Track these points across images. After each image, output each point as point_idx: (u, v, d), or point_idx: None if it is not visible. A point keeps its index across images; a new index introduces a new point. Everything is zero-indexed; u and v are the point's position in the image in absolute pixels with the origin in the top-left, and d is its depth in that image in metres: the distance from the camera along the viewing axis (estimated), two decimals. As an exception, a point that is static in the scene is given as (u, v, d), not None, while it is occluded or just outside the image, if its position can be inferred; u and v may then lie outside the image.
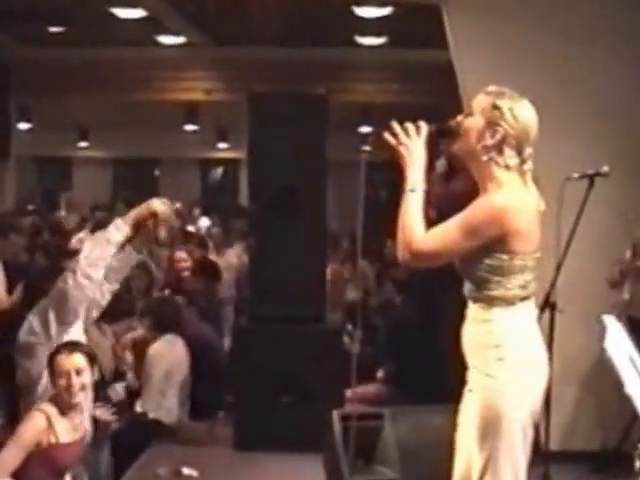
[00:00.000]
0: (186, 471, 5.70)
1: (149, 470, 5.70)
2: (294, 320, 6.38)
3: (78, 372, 4.42)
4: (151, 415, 6.48)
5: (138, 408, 6.49)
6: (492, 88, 3.47)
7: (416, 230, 3.35)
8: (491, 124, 3.38)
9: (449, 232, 3.35)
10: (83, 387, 4.45)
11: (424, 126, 3.46)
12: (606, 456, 5.95)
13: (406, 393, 6.59)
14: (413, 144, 3.43)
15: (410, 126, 3.44)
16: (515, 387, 3.36)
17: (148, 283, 7.80)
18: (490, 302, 3.40)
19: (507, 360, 3.36)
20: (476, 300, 3.46)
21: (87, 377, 4.48)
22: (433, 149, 3.52)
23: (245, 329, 6.73)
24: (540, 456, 5.14)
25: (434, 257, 3.39)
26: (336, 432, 4.79)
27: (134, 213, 4.80)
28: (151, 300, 7.27)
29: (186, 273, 8.28)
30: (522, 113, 3.40)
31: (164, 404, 6.53)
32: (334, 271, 8.84)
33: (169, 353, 6.66)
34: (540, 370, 3.48)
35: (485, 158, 3.40)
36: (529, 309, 3.48)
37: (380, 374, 7.29)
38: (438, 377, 5.98)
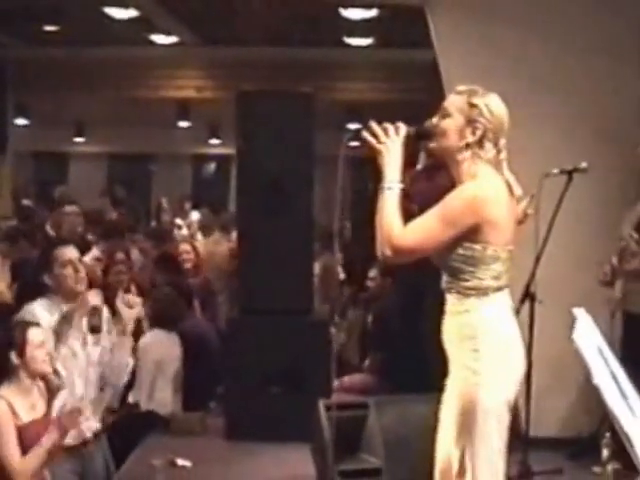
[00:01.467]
0: (180, 462, 5.78)
1: (145, 461, 5.78)
2: (283, 312, 6.46)
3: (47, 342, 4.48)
4: (143, 406, 6.59)
5: (130, 399, 6.57)
6: (462, 87, 3.55)
7: (394, 226, 3.37)
8: (471, 121, 3.46)
9: (428, 225, 3.39)
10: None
11: (402, 127, 3.49)
12: (582, 443, 6.03)
13: (392, 383, 6.63)
14: (391, 143, 3.45)
15: (389, 126, 3.47)
16: (490, 379, 3.41)
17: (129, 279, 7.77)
18: (464, 293, 3.46)
19: (482, 352, 3.42)
20: (451, 291, 3.50)
21: None
22: (412, 149, 3.58)
23: (235, 321, 6.81)
24: (518, 442, 5.28)
25: (414, 251, 3.43)
26: (322, 422, 4.86)
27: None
28: (157, 294, 7.28)
29: (188, 265, 8.38)
30: (496, 107, 3.49)
31: (156, 395, 6.63)
32: (323, 265, 8.91)
33: (159, 344, 6.76)
34: (516, 361, 3.53)
35: (468, 155, 3.47)
36: (504, 300, 3.52)
37: (367, 364, 7.38)
38: (424, 366, 6.07)
